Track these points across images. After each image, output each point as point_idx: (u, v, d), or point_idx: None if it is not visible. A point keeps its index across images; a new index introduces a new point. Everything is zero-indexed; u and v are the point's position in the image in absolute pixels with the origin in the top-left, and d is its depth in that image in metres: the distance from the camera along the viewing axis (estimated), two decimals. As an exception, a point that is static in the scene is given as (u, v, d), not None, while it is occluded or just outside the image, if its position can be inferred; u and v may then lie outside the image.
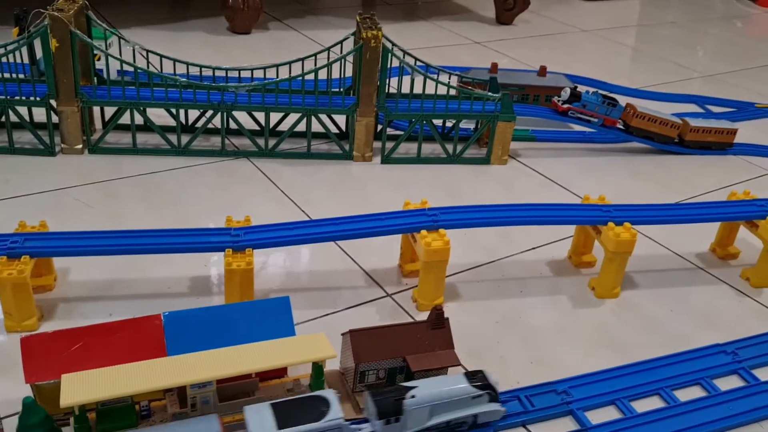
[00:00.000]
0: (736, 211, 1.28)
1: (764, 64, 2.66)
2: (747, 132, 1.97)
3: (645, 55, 2.68)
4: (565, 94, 1.68)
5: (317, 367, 0.91)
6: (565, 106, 1.67)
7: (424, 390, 0.86)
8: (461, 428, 0.90)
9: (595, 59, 2.56)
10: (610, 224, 1.17)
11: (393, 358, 0.93)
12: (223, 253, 1.06)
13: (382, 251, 1.26)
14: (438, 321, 0.96)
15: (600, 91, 1.74)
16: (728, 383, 1.05)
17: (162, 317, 0.90)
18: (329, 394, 0.83)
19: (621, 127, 1.74)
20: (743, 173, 1.74)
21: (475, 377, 0.91)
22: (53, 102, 1.49)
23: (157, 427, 0.83)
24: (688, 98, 2.18)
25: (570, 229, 1.33)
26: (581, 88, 1.74)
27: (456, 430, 0.90)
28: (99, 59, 1.62)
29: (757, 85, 2.40)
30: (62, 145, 1.53)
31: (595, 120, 1.67)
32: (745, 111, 2.12)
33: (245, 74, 1.61)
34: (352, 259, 1.27)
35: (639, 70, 2.51)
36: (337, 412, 0.81)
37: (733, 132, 1.79)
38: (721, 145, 1.78)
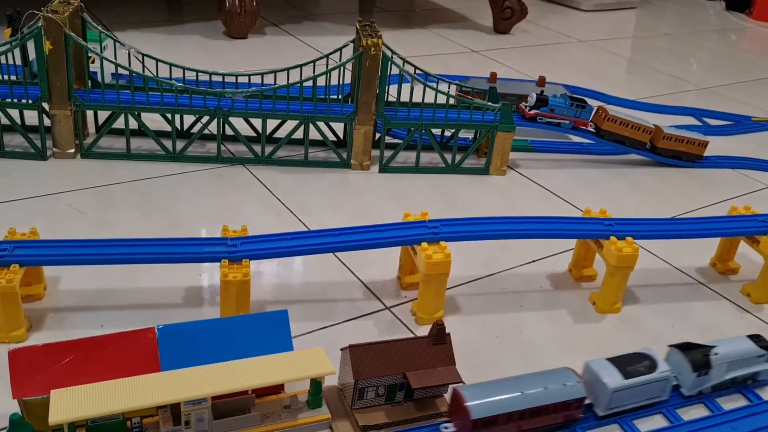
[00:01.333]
0: (737, 227, 1.27)
1: (759, 78, 2.67)
2: (744, 146, 1.97)
3: (641, 67, 2.68)
4: (532, 99, 1.63)
5: (315, 383, 0.88)
6: (533, 111, 1.63)
7: (722, 348, 1.01)
8: (745, 383, 1.05)
9: (592, 70, 2.55)
10: (612, 238, 1.16)
11: (393, 375, 0.91)
12: (218, 263, 1.03)
13: (381, 262, 1.24)
14: (439, 336, 0.94)
15: (567, 93, 1.70)
16: (732, 402, 1.04)
17: (156, 330, 0.87)
18: (651, 351, 0.98)
19: (592, 129, 1.70)
20: (742, 187, 1.73)
21: (759, 340, 1.04)
22: (45, 105, 1.46)
23: (150, 445, 0.81)
24: (685, 111, 2.17)
25: (570, 242, 1.31)
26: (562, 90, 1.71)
27: (740, 384, 1.05)
28: (93, 62, 1.59)
29: (752, 99, 2.40)
30: (54, 149, 1.50)
31: (567, 122, 1.63)
32: (742, 125, 2.11)
33: (242, 80, 1.59)
34: (350, 270, 1.24)
35: (635, 81, 2.50)
36: (663, 366, 0.97)
37: (704, 144, 1.76)
38: (691, 157, 1.75)
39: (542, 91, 1.68)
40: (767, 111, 2.29)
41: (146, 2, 2.75)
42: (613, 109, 1.72)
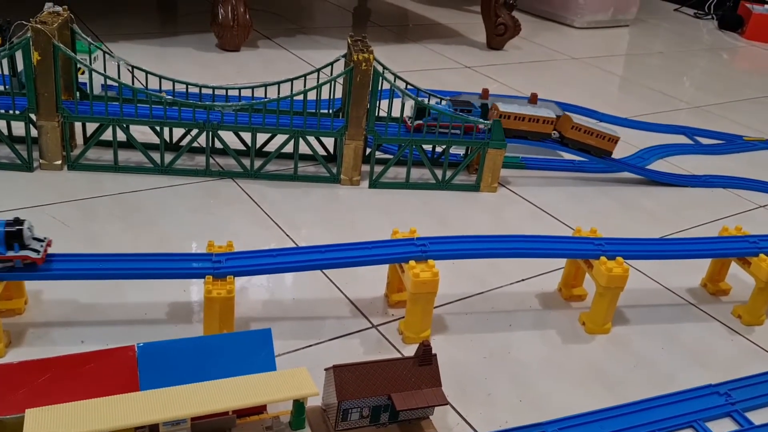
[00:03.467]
0: (728, 248, 1.26)
1: (750, 97, 2.68)
2: (736, 165, 1.97)
3: (634, 85, 2.69)
4: (411, 109, 1.54)
5: (298, 404, 0.87)
6: (417, 123, 1.54)
7: None
8: None
9: (585, 87, 2.56)
10: (603, 258, 1.15)
11: (378, 396, 0.89)
12: (202, 279, 1.02)
13: (368, 279, 1.23)
14: (425, 357, 0.92)
15: (449, 98, 1.63)
16: (721, 426, 1.02)
17: (135, 348, 0.85)
18: None
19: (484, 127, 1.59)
20: (733, 206, 1.73)
21: None
22: (33, 116, 1.44)
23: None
24: (677, 129, 2.17)
25: (560, 261, 1.30)
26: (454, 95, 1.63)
27: None
28: (83, 73, 1.58)
29: (744, 118, 2.41)
30: (41, 161, 1.48)
31: (456, 131, 1.56)
32: (734, 144, 2.12)
33: (233, 93, 1.58)
34: (337, 287, 1.23)
35: (628, 99, 2.51)
36: None
37: (615, 140, 1.65)
38: (599, 151, 1.67)
39: (422, 99, 1.56)
40: (759, 130, 2.29)
41: (139, 14, 2.75)
42: (505, 106, 1.63)
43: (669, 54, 3.20)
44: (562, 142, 1.67)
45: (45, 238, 0.99)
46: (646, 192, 1.75)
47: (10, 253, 0.94)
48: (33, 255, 0.96)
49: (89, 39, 1.50)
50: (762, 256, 1.22)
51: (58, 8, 1.46)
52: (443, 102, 1.61)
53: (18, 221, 0.95)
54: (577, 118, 1.67)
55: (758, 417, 1.04)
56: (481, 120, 1.59)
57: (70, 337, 1.04)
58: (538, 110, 1.65)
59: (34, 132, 1.47)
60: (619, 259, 1.15)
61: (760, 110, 2.53)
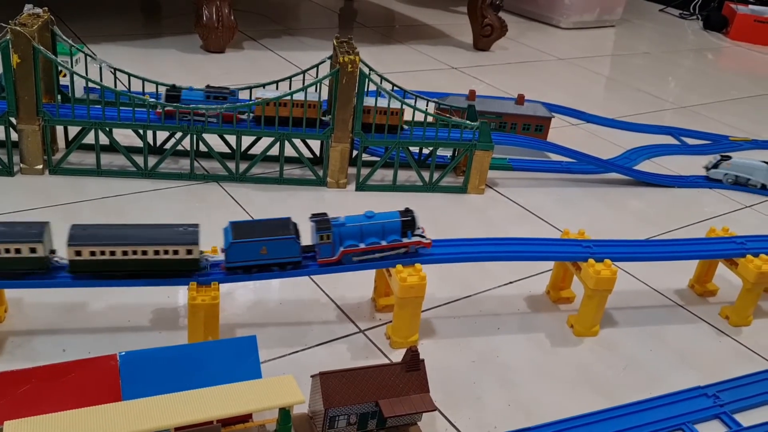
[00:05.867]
0: (715, 249, 1.26)
1: (736, 98, 2.69)
2: (722, 165, 1.97)
3: (620, 85, 2.69)
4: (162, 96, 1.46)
5: (284, 412, 0.85)
6: (167, 108, 1.44)
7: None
8: None
9: (572, 88, 2.56)
10: (591, 261, 1.14)
11: (365, 403, 0.88)
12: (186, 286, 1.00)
13: (355, 283, 1.21)
14: (413, 363, 0.91)
15: (212, 86, 1.54)
16: (710, 428, 1.02)
17: (117, 357, 0.83)
18: None
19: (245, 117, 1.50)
20: (720, 207, 1.73)
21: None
22: (13, 119, 1.42)
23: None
24: (663, 130, 2.18)
25: (548, 264, 1.30)
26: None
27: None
28: (64, 76, 1.55)
29: (729, 118, 2.42)
30: (21, 165, 1.46)
31: (213, 120, 1.45)
32: (720, 144, 2.12)
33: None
34: (324, 291, 1.22)
35: (614, 99, 2.51)
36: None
37: (314, 106, 1.50)
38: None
39: (173, 85, 1.48)
40: (744, 130, 2.30)
41: (123, 15, 2.72)
42: (264, 92, 1.52)
43: (655, 54, 3.22)
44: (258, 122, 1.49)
45: (420, 227, 1.09)
46: (633, 193, 1.75)
47: (405, 240, 1.07)
48: (425, 240, 1.08)
49: (70, 41, 1.48)
50: (749, 256, 1.22)
51: (38, 10, 1.44)
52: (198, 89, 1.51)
53: (408, 211, 1.08)
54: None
55: (746, 418, 1.04)
56: (468, 122, 1.58)
57: (52, 345, 1.02)
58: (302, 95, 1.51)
59: (14, 136, 1.45)
60: (608, 261, 1.15)
61: (745, 110, 2.55)
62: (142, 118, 1.45)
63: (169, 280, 1.01)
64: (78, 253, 0.95)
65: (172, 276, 0.99)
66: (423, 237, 1.08)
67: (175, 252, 0.97)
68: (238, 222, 1.03)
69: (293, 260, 1.03)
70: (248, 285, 1.20)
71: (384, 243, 1.06)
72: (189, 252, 0.98)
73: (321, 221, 1.03)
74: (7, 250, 0.93)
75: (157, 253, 0.97)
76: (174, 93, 1.47)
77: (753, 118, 2.47)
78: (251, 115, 1.48)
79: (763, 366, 1.17)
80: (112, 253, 0.95)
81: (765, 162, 1.80)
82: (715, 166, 1.80)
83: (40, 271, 0.96)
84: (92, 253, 0.95)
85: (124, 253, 0.96)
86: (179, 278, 1.00)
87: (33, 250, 0.94)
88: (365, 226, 1.05)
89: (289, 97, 1.47)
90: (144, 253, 0.96)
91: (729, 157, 1.80)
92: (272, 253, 1.01)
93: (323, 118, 1.52)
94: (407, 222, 1.07)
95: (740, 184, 1.79)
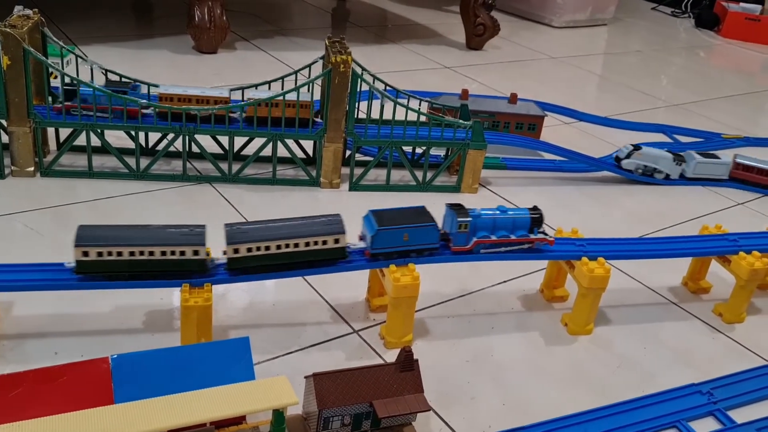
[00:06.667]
0: (708, 246, 1.27)
1: (728, 95, 2.70)
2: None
3: (612, 83, 2.70)
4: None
5: (278, 413, 0.85)
6: (67, 104, 1.41)
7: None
8: None
9: (564, 86, 2.56)
10: (584, 259, 1.14)
11: (359, 403, 0.88)
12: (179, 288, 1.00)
13: (349, 283, 1.21)
14: (407, 363, 0.91)
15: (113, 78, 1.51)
16: (704, 426, 1.02)
17: (109, 360, 0.83)
18: None
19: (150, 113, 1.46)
20: (713, 204, 1.74)
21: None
22: (3, 121, 1.41)
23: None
24: (656, 128, 2.18)
25: (542, 262, 1.30)
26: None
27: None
28: (55, 77, 1.55)
29: (721, 116, 2.43)
30: (12, 168, 1.45)
31: (106, 115, 1.40)
32: (713, 141, 2.13)
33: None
34: (317, 291, 1.21)
35: (607, 98, 2.52)
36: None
37: (307, 106, 1.47)
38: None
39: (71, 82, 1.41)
40: (737, 128, 2.31)
41: (114, 16, 2.71)
42: (166, 87, 1.48)
43: (647, 52, 3.23)
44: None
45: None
46: (626, 191, 1.75)
47: (531, 236, 1.12)
48: (549, 237, 1.13)
49: (61, 42, 1.47)
50: (741, 254, 1.23)
51: (29, 11, 1.43)
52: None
53: (537, 209, 1.13)
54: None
55: (740, 415, 1.05)
56: (461, 121, 1.58)
57: (43, 349, 1.02)
58: (208, 91, 1.50)
59: (5, 138, 1.44)
60: (601, 259, 1.15)
61: (737, 107, 2.56)
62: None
63: (161, 282, 1.00)
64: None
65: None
66: (546, 234, 1.13)
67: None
68: (378, 210, 1.09)
69: (432, 247, 1.08)
70: (242, 286, 1.20)
71: (513, 237, 1.11)
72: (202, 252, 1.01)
73: (460, 211, 1.09)
74: (173, 252, 0.98)
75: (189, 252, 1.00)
76: (70, 87, 1.42)
77: (745, 115, 2.48)
78: (243, 115, 1.48)
79: (756, 363, 1.17)
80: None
81: (671, 152, 1.77)
82: (628, 156, 1.75)
83: (201, 271, 1.00)
84: (119, 254, 0.98)
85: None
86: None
87: (196, 252, 0.99)
88: (498, 219, 1.11)
89: (281, 98, 1.46)
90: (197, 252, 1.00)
91: (639, 147, 1.76)
92: (414, 239, 1.07)
93: (316, 119, 1.52)
94: (536, 219, 1.12)
95: (648, 175, 1.75)
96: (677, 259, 1.30)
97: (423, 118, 1.56)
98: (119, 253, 0.96)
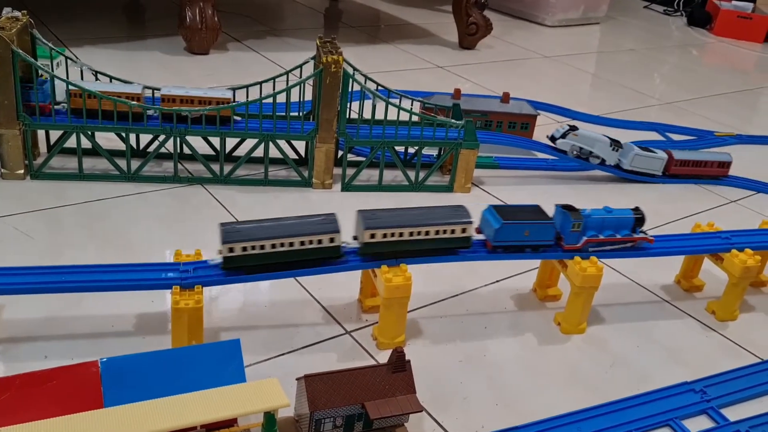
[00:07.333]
0: (701, 244, 1.27)
1: (721, 93, 2.71)
2: (707, 160, 1.98)
3: (606, 82, 2.70)
4: None
5: (269, 416, 0.84)
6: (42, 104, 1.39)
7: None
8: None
9: (558, 86, 2.56)
10: (577, 258, 1.14)
11: (351, 405, 0.88)
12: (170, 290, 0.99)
13: (341, 284, 1.21)
14: (399, 364, 0.91)
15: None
16: (697, 424, 1.02)
17: (99, 364, 0.82)
18: None
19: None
20: (705, 202, 1.74)
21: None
22: (-7, 124, 1.40)
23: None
24: (649, 126, 2.19)
25: (535, 261, 1.30)
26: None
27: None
28: (46, 80, 1.53)
29: (714, 114, 2.43)
30: (2, 170, 1.44)
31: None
32: (705, 139, 2.13)
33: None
34: (309, 293, 1.21)
35: (600, 96, 2.52)
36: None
37: (226, 101, 1.45)
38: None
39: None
40: (729, 126, 2.32)
41: (106, 18, 2.70)
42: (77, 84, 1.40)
43: (640, 51, 3.23)
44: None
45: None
46: (618, 189, 1.75)
47: (634, 235, 1.18)
48: (649, 237, 1.19)
49: (50, 44, 1.46)
50: (734, 251, 1.23)
51: (17, 13, 1.42)
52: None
53: (639, 210, 1.19)
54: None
55: (733, 413, 1.04)
56: (453, 120, 1.58)
57: (33, 352, 1.01)
58: (210, 92, 1.48)
59: (-6, 141, 1.43)
60: (593, 258, 1.15)
61: (730, 105, 2.56)
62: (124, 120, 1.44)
63: (150, 284, 1.00)
64: (372, 235, 1.06)
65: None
66: (646, 234, 1.19)
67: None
68: (497, 206, 1.15)
69: (547, 243, 1.14)
70: (235, 288, 1.19)
71: (618, 236, 1.17)
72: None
73: (574, 211, 1.14)
74: (311, 242, 1.03)
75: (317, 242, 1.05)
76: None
77: (738, 113, 2.48)
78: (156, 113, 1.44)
79: (749, 360, 1.17)
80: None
81: (608, 137, 1.73)
82: (563, 135, 1.70)
83: (335, 258, 1.06)
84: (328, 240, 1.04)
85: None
86: (161, 282, 0.99)
87: (332, 240, 1.04)
88: (606, 219, 1.16)
89: (196, 94, 1.45)
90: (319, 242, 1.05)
91: (576, 128, 1.71)
92: (533, 235, 1.12)
93: (236, 118, 1.48)
94: (639, 219, 1.18)
95: (583, 158, 1.71)
96: (670, 257, 1.30)
97: (415, 118, 1.56)
98: (262, 247, 1.00)
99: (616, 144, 1.73)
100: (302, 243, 1.03)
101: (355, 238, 1.07)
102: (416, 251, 1.08)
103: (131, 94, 1.44)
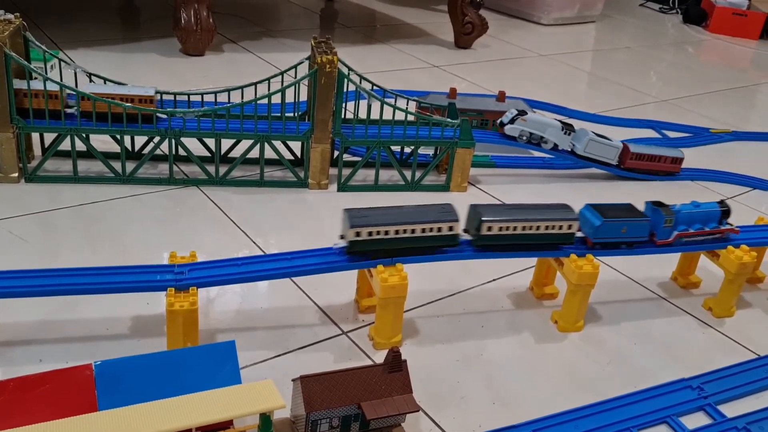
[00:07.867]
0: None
1: (716, 90, 2.71)
2: (704, 158, 1.98)
3: (601, 80, 2.70)
4: None
5: (265, 417, 0.84)
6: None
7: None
8: None
9: (553, 84, 2.56)
10: (573, 256, 1.14)
11: (347, 405, 0.87)
12: (164, 292, 0.99)
13: (338, 284, 1.20)
14: (395, 364, 0.91)
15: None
16: (695, 421, 1.02)
17: (93, 367, 0.82)
18: None
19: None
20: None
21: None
22: (-13, 128, 1.40)
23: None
24: (645, 123, 2.19)
25: (531, 260, 1.29)
26: None
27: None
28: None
29: (710, 111, 2.43)
30: (-4, 174, 1.44)
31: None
32: (701, 136, 2.13)
33: (195, 98, 1.55)
34: (305, 293, 1.21)
35: (596, 95, 2.52)
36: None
37: (149, 99, 1.44)
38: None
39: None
40: (725, 123, 2.32)
41: (100, 20, 2.69)
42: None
43: (635, 49, 3.23)
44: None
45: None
46: (614, 187, 1.75)
47: (721, 227, 1.23)
48: (735, 228, 1.24)
49: (44, 47, 1.45)
50: (730, 248, 1.23)
51: (10, 16, 1.41)
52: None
53: (725, 203, 1.24)
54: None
55: (730, 410, 1.04)
56: (448, 120, 1.57)
57: (28, 356, 1.00)
58: (133, 89, 1.45)
59: (-12, 144, 1.43)
60: (589, 256, 1.14)
61: (725, 103, 2.56)
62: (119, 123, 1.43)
63: (145, 287, 1.00)
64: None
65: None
66: (731, 225, 1.24)
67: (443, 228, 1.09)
68: (595, 204, 1.19)
69: (641, 240, 1.18)
70: (229, 291, 1.19)
71: (706, 229, 1.22)
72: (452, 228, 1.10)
73: (666, 208, 1.19)
74: (431, 229, 1.07)
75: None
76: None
77: (733, 110, 2.48)
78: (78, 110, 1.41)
79: (746, 356, 1.17)
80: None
81: (560, 120, 1.70)
82: (511, 121, 1.65)
83: (453, 246, 1.10)
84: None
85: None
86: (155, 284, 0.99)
87: (451, 228, 1.08)
88: (695, 213, 1.21)
89: (123, 92, 1.43)
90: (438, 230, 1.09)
91: (525, 113, 1.67)
92: (629, 232, 1.17)
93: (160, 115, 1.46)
94: (725, 212, 1.23)
95: (534, 143, 1.67)
96: (666, 254, 1.29)
97: (411, 118, 1.56)
98: (386, 232, 1.04)
99: (568, 128, 1.69)
100: (423, 230, 1.07)
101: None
102: (403, 249, 1.08)
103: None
